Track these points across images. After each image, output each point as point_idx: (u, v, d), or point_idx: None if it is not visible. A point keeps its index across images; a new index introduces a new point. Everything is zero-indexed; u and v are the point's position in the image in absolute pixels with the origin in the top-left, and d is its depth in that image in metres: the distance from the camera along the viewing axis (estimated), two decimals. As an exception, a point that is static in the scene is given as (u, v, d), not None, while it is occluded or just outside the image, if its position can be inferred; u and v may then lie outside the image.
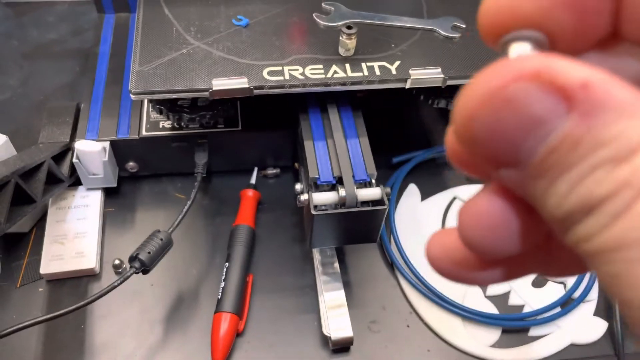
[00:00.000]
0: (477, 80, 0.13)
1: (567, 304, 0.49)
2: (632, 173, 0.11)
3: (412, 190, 0.55)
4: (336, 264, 0.48)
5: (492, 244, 0.15)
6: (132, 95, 0.43)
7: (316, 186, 0.43)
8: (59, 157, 0.49)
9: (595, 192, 0.12)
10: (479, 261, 0.16)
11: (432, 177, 0.56)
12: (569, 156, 0.12)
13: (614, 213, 0.12)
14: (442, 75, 0.45)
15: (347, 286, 0.48)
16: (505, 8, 0.14)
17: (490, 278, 0.16)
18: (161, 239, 0.44)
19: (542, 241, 0.15)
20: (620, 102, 0.12)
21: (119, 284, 0.42)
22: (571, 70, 0.12)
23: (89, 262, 0.48)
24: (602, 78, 0.12)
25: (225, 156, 0.53)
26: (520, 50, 0.14)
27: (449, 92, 0.49)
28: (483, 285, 0.14)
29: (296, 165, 0.55)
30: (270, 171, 0.55)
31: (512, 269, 0.16)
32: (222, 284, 0.47)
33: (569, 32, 0.14)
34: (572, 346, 0.47)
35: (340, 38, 0.46)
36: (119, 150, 0.51)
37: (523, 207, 0.14)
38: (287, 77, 0.45)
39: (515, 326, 0.47)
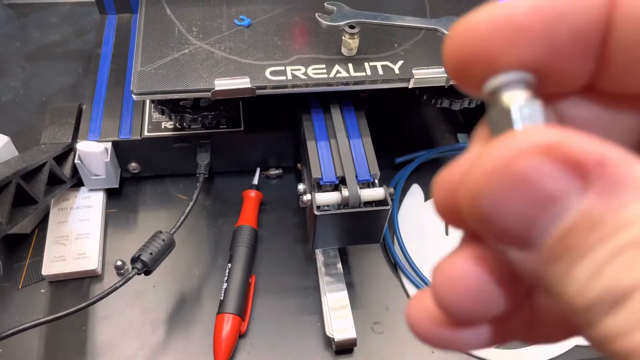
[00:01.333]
0: (485, 153, 0.12)
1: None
2: None
3: (415, 191, 0.55)
4: (339, 265, 0.48)
5: (468, 308, 0.13)
6: (134, 96, 0.43)
7: (319, 186, 0.43)
8: (61, 158, 0.49)
9: (623, 280, 0.10)
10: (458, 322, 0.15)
11: (436, 177, 0.56)
12: (588, 237, 0.11)
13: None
14: (446, 75, 0.45)
15: (350, 287, 0.48)
16: (478, 52, 0.13)
17: (473, 341, 0.15)
18: (163, 240, 0.44)
19: (523, 304, 0.14)
20: None
21: (121, 285, 0.42)
22: (587, 145, 0.11)
23: (91, 263, 0.48)
24: (619, 155, 0.11)
25: (228, 157, 0.53)
26: (517, 100, 0.13)
27: (453, 91, 0.49)
28: (467, 350, 0.13)
29: (299, 165, 0.55)
30: (273, 172, 0.55)
31: (496, 330, 0.15)
32: (225, 285, 0.46)
33: (552, 74, 0.13)
34: (577, 347, 0.47)
35: (343, 38, 0.45)
36: (121, 151, 0.50)
37: (502, 270, 0.13)
38: (289, 77, 0.44)
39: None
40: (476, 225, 0.12)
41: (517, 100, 0.13)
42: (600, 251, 0.11)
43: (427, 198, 0.54)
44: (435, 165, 0.57)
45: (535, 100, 0.13)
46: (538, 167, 0.11)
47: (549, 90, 0.13)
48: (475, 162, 0.12)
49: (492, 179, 0.11)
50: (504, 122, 0.13)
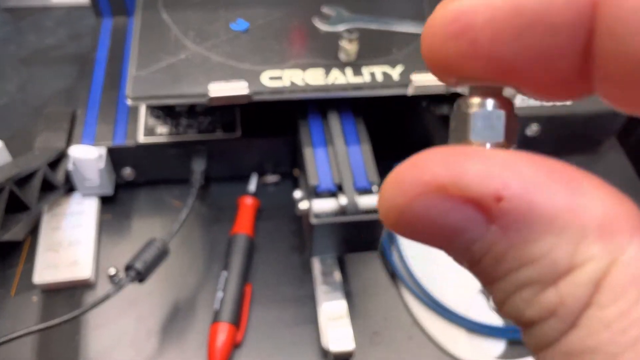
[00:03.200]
0: (382, 193, 0.12)
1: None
2: (559, 302, 0.10)
3: (414, 198, 0.54)
4: (337, 274, 0.47)
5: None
6: (128, 101, 0.42)
7: (316, 193, 0.42)
8: (54, 164, 0.48)
9: (525, 314, 0.11)
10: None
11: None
12: (495, 269, 0.11)
13: (544, 343, 0.10)
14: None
15: (348, 296, 0.47)
16: (439, 62, 0.13)
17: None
18: (157, 248, 0.43)
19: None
20: (547, 214, 0.10)
21: (114, 294, 0.41)
22: (484, 179, 0.10)
23: (84, 270, 0.47)
24: (524, 185, 0.10)
25: (224, 163, 0.53)
26: (477, 109, 0.12)
27: (453, 99, 0.48)
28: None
29: (296, 171, 0.54)
30: (270, 178, 0.55)
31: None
32: (220, 294, 0.46)
33: (533, 81, 0.12)
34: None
35: (341, 43, 0.45)
36: (116, 157, 0.50)
37: None
38: (287, 82, 0.44)
39: (520, 338, 0.46)
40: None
41: (478, 110, 0.12)
42: (505, 283, 0.11)
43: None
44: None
45: (498, 111, 0.12)
46: (433, 206, 0.11)
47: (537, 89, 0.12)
48: (380, 196, 0.12)
49: (397, 218, 0.11)
50: (463, 129, 0.12)
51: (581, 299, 0.10)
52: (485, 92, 0.12)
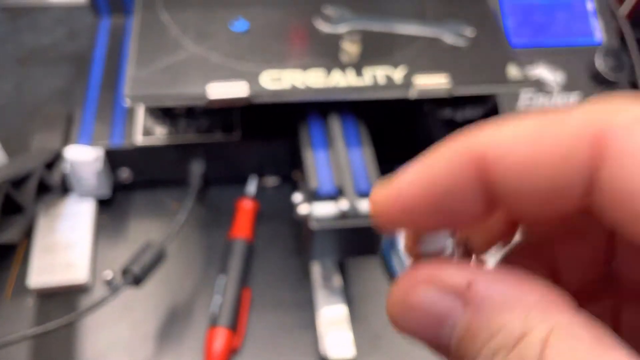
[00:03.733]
0: (390, 291, 0.16)
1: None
2: None
3: (415, 202, 0.53)
4: (337, 278, 0.47)
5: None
6: (127, 101, 0.42)
7: (316, 197, 0.42)
8: (50, 165, 0.47)
9: None
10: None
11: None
12: (474, 344, 0.14)
13: None
14: (448, 85, 0.44)
15: (348, 301, 0.47)
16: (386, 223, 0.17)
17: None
18: (154, 251, 0.42)
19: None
20: (500, 298, 0.14)
21: (110, 298, 0.40)
22: (457, 272, 0.15)
23: (80, 274, 0.46)
24: (485, 277, 0.14)
25: (223, 164, 0.52)
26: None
27: (455, 101, 0.48)
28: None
29: (295, 174, 0.53)
30: (269, 180, 0.54)
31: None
32: (217, 298, 0.45)
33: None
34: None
35: (342, 45, 0.44)
36: (113, 158, 0.49)
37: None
38: (287, 84, 0.43)
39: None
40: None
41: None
42: (483, 354, 0.14)
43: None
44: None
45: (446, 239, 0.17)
46: (425, 293, 0.15)
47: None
48: (388, 295, 0.16)
49: (399, 309, 0.16)
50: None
51: (534, 356, 0.12)
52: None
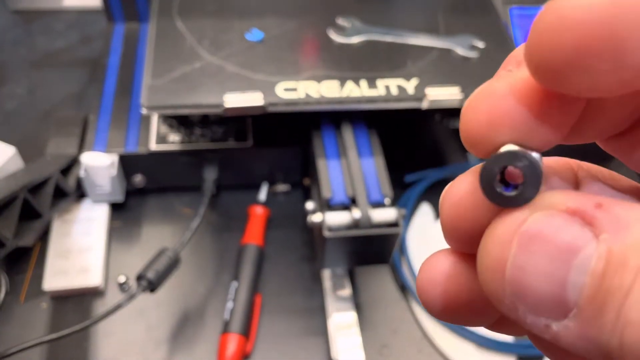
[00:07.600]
0: (494, 225, 0.13)
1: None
2: None
3: (425, 210, 0.54)
4: (347, 285, 0.47)
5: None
6: (143, 110, 0.42)
7: (329, 206, 0.42)
8: (66, 170, 0.48)
9: None
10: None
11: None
12: (623, 276, 0.11)
13: None
14: (460, 97, 0.44)
15: (358, 308, 0.47)
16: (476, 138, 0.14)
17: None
18: (169, 257, 0.43)
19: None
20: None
21: (125, 303, 0.41)
22: (580, 196, 0.12)
23: (94, 278, 0.47)
24: (609, 198, 0.12)
25: (235, 171, 0.52)
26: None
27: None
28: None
29: (305, 181, 0.54)
30: (280, 187, 0.54)
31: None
32: (229, 304, 0.46)
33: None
34: None
35: None
36: (127, 164, 0.50)
37: None
38: (302, 94, 0.44)
39: (530, 354, 0.46)
40: (510, 306, 0.12)
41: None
42: (634, 295, 0.10)
43: (437, 217, 0.54)
44: (445, 184, 0.56)
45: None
46: (549, 222, 0.12)
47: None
48: (487, 236, 0.13)
49: (511, 247, 0.12)
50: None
51: None
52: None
